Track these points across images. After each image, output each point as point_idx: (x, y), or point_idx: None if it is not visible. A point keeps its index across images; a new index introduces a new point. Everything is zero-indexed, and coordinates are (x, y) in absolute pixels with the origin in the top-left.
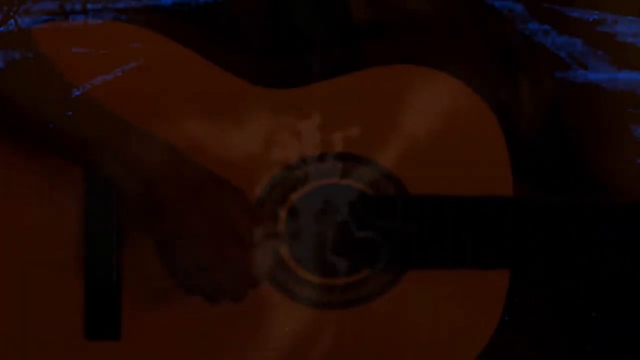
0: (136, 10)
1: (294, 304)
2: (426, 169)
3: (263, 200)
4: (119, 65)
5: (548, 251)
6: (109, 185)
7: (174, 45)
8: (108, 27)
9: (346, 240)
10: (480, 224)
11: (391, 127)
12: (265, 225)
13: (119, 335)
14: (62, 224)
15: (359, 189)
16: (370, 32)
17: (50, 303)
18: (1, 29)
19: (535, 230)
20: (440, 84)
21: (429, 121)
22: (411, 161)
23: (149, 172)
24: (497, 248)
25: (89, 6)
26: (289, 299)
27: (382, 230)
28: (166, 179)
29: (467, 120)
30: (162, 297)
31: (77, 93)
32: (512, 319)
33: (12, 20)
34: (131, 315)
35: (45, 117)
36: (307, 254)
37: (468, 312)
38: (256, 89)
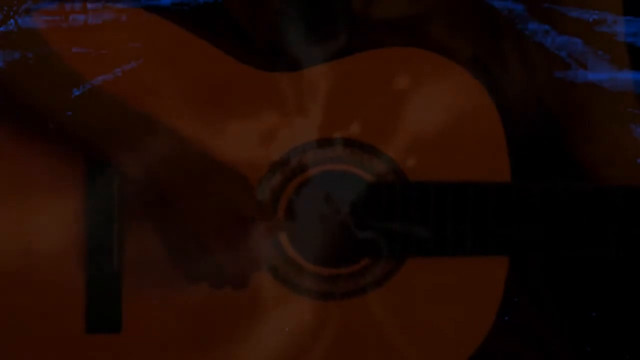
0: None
1: (294, 296)
2: (425, 156)
3: (264, 186)
4: (119, 65)
5: (547, 236)
6: (111, 176)
7: (175, 29)
8: (108, 27)
9: (346, 228)
10: (479, 210)
11: (391, 113)
12: (266, 211)
13: (119, 328)
14: (63, 216)
15: (359, 176)
16: (369, 22)
17: (51, 296)
18: (1, 28)
19: (535, 216)
20: (439, 67)
21: (428, 106)
22: (410, 148)
23: (152, 156)
24: (496, 234)
25: (89, 6)
26: (289, 290)
27: (382, 219)
28: (169, 163)
29: (466, 105)
30: (163, 288)
31: (77, 93)
32: (511, 319)
33: (12, 20)
34: (132, 308)
35: (56, 110)
36: (307, 243)
37: (467, 301)
38: (257, 72)
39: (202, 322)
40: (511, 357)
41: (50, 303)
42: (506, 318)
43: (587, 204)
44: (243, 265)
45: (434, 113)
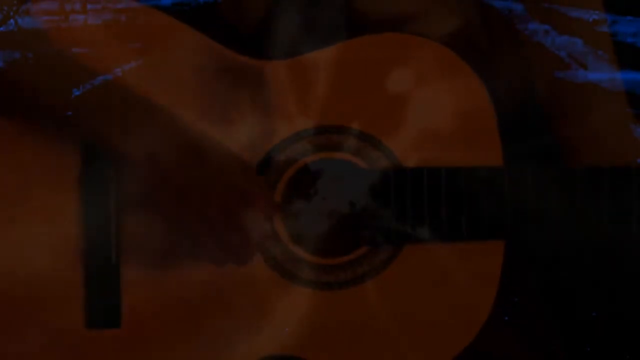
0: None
1: (292, 286)
2: (417, 140)
3: (261, 173)
4: (119, 65)
5: (542, 219)
6: (107, 166)
7: (174, 23)
8: (108, 27)
9: (343, 217)
10: (472, 194)
11: (388, 102)
12: (266, 193)
13: (119, 322)
14: (60, 209)
15: (356, 164)
16: (372, 23)
17: (49, 291)
18: (1, 29)
19: (528, 198)
20: (430, 52)
21: (421, 92)
22: (406, 137)
23: (151, 140)
24: (491, 218)
25: (89, 6)
26: (287, 281)
27: (378, 206)
28: (168, 147)
29: (457, 90)
30: (163, 277)
31: (77, 93)
32: (510, 319)
33: (12, 20)
34: (131, 301)
35: (57, 103)
36: (304, 232)
37: (465, 287)
38: (255, 62)
39: (202, 314)
40: (510, 356)
41: (49, 298)
42: (506, 318)
43: (579, 185)
44: (245, 240)
45: (429, 102)
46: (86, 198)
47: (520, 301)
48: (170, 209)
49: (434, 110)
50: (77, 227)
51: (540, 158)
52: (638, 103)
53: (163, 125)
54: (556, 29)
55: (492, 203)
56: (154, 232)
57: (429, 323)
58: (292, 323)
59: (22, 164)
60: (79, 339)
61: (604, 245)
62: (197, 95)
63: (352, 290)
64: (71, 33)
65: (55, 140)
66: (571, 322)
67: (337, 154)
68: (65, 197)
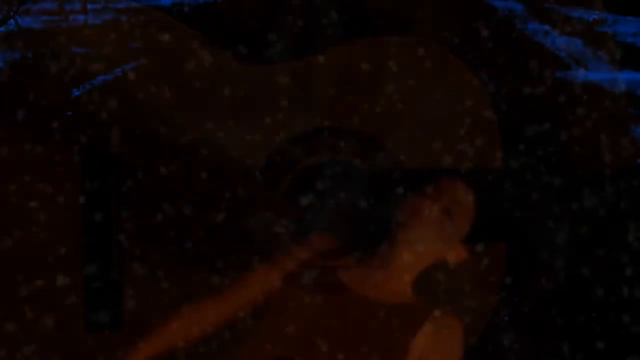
0: (136, 10)
1: (293, 287)
2: (417, 140)
3: (263, 174)
4: (119, 65)
5: (542, 220)
6: (109, 168)
7: (175, 24)
8: (108, 27)
9: (344, 218)
10: (474, 195)
11: (390, 103)
12: (267, 197)
13: (120, 326)
14: (60, 212)
15: (354, 163)
16: (374, 25)
17: (50, 293)
18: (1, 29)
19: (530, 200)
20: (431, 53)
21: (421, 93)
22: (404, 133)
23: (150, 139)
24: (492, 219)
25: (89, 6)
26: (289, 282)
27: (379, 207)
28: (168, 146)
29: (458, 91)
30: (165, 281)
31: (77, 93)
32: (511, 319)
33: (12, 20)
34: (132, 305)
35: (63, 104)
36: (305, 233)
37: (467, 290)
38: (257, 65)
39: (202, 316)
40: (511, 356)
41: (49, 300)
42: (506, 318)
43: (579, 185)
44: (246, 242)
45: (430, 103)
46: (86, 199)
47: (520, 301)
48: (171, 211)
49: (435, 111)
50: (77, 228)
51: (541, 159)
52: (638, 103)
53: (163, 127)
54: (556, 29)
55: (493, 204)
56: (155, 234)
57: (431, 321)
58: (293, 324)
59: (22, 165)
60: (79, 341)
61: (604, 246)
62: (197, 97)
63: (353, 291)
64: (71, 33)
65: (55, 141)
66: (571, 322)
67: (337, 155)
68: (65, 198)
